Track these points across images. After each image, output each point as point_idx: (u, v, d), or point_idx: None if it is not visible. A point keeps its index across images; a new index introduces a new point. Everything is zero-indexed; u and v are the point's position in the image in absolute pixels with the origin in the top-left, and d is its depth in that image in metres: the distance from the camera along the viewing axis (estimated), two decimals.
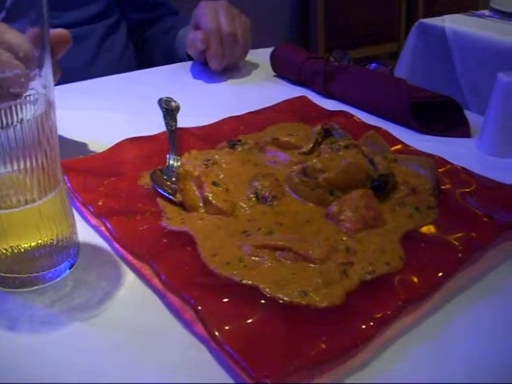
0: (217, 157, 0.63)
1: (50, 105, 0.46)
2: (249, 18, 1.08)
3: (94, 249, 0.55)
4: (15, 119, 0.43)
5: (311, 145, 0.66)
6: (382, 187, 0.58)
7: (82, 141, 0.76)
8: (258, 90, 0.99)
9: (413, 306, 0.46)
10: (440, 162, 0.67)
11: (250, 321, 0.43)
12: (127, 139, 0.71)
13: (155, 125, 0.75)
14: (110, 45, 1.23)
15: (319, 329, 0.42)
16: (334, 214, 0.54)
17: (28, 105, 0.44)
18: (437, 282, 0.48)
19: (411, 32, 1.74)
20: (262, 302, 0.45)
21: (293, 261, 0.49)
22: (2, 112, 0.43)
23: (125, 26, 1.29)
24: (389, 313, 0.44)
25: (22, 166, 0.45)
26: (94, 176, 0.63)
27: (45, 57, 0.44)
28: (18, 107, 0.43)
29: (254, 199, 0.58)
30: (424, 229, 0.55)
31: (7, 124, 0.43)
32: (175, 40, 1.22)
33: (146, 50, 1.33)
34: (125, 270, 0.52)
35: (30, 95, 0.44)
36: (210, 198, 0.56)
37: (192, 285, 0.46)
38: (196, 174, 0.59)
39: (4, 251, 0.48)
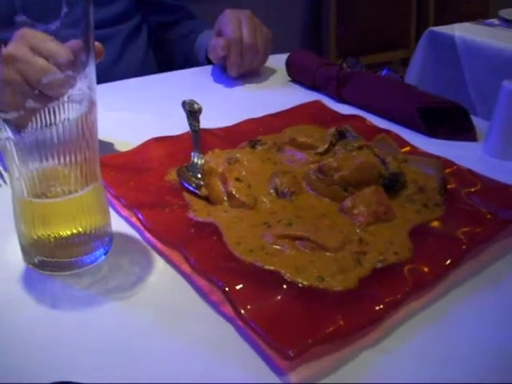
0: (238, 155, 0.68)
1: (93, 103, 0.51)
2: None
3: (126, 238, 0.60)
4: (63, 117, 0.48)
5: (326, 146, 0.70)
6: (392, 185, 0.62)
7: (109, 140, 0.80)
8: (275, 94, 1.03)
9: (420, 292, 0.50)
10: (447, 163, 0.71)
11: (272, 301, 0.47)
12: (153, 138, 0.76)
13: (179, 125, 0.79)
14: (133, 47, 1.26)
15: (335, 309, 0.47)
16: (348, 209, 0.59)
17: (74, 104, 0.49)
18: (442, 271, 0.52)
19: (421, 39, 1.76)
20: (283, 285, 0.49)
21: (311, 249, 0.53)
22: (51, 110, 0.48)
23: (146, 28, 1.33)
24: (398, 297, 0.48)
25: (67, 159, 0.50)
26: (124, 171, 0.68)
27: (89, 60, 0.49)
28: (66, 106, 0.48)
29: (273, 194, 0.62)
30: (431, 223, 0.59)
31: (55, 121, 0.48)
32: (195, 44, 1.26)
33: (165, 53, 1.37)
34: (155, 256, 0.57)
35: (75, 94, 0.49)
36: (234, 193, 0.61)
37: (219, 269, 0.51)
38: (220, 170, 0.64)
39: (47, 237, 0.53)
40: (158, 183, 0.66)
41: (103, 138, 0.79)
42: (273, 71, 1.16)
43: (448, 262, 0.53)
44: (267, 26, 1.13)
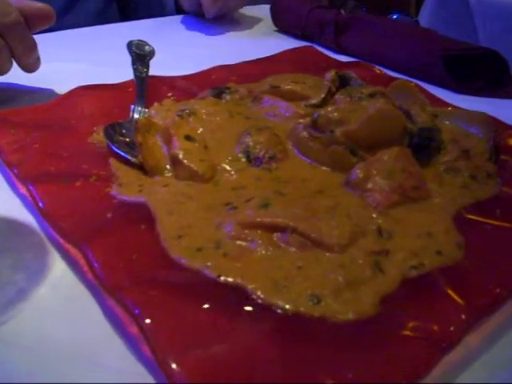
0: (196, 106, 0.47)
1: None
2: None
3: (16, 227, 0.41)
4: None
5: (323, 95, 0.50)
6: (424, 145, 0.43)
7: (33, 92, 0.63)
8: (257, 43, 0.86)
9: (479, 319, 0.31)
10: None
11: (231, 344, 0.26)
12: (81, 87, 0.57)
13: (126, 75, 0.59)
14: None
15: (340, 357, 0.27)
16: (359, 182, 0.40)
17: None
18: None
19: None
20: (250, 311, 0.29)
21: (299, 248, 0.33)
22: None
23: None
24: (451, 330, 0.28)
25: None
26: (30, 130, 0.49)
27: None
28: None
29: (243, 160, 0.43)
30: (485, 204, 0.40)
31: None
32: None
33: (129, 5, 1.18)
34: (54, 257, 0.38)
35: None
36: (181, 157, 0.40)
37: (141, 283, 0.30)
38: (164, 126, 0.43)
39: None
40: (77, 146, 0.46)
41: (26, 91, 0.62)
42: (256, 20, 0.99)
43: None
44: None
